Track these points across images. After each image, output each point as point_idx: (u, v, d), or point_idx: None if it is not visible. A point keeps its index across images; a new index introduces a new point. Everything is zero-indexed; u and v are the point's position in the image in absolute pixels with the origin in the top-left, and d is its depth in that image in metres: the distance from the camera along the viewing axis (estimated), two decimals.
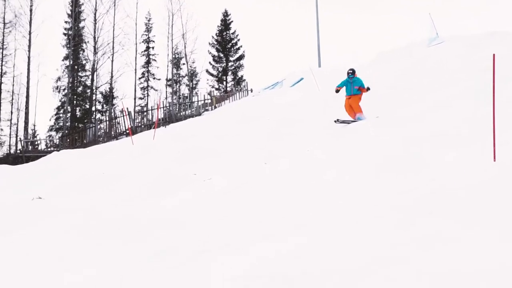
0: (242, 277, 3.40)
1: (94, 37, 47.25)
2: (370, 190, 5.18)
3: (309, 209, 4.94)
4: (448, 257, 3.21)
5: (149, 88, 55.12)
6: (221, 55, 56.38)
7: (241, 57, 56.49)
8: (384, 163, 6.24)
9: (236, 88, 41.64)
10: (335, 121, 14.18)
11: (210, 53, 56.20)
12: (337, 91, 15.24)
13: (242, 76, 55.71)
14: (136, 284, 3.51)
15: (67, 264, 4.32)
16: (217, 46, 56.43)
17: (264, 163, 9.07)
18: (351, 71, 14.98)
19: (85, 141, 34.09)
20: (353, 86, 14.65)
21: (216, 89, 54.10)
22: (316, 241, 3.92)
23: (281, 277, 3.30)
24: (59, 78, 51.21)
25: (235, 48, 56.57)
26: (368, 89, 14.64)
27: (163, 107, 34.84)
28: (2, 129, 48.51)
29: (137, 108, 49.67)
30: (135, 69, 51.32)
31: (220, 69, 56.31)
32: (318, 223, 4.42)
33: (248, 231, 4.55)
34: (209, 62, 56.18)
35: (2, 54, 46.76)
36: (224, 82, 55.56)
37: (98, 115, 51.25)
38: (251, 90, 36.06)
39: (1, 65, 47.00)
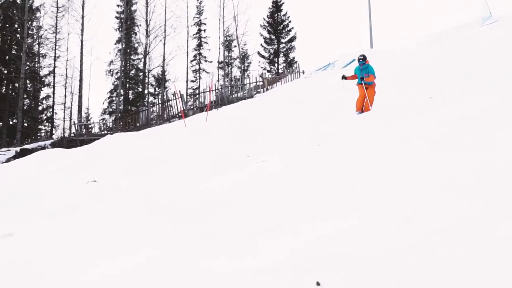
0: (295, 257, 3.40)
1: (146, 20, 47.80)
2: (420, 172, 5.09)
3: (360, 191, 4.89)
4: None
5: (201, 70, 55.68)
6: (273, 37, 56.40)
7: (292, 39, 56.43)
8: (433, 145, 6.13)
9: (288, 70, 41.49)
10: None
11: (261, 35, 56.36)
12: (344, 77, 14.58)
13: (293, 58, 55.72)
14: (196, 265, 3.54)
15: (126, 243, 4.40)
16: (268, 28, 56.47)
17: (318, 145, 9.02)
18: (362, 57, 14.13)
19: (138, 124, 34.55)
20: (363, 73, 13.95)
21: (268, 71, 54.24)
22: (367, 223, 3.88)
23: (331, 256, 3.29)
24: (111, 62, 52.16)
25: (286, 30, 56.50)
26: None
27: (215, 90, 34.99)
28: (56, 113, 49.77)
29: (189, 91, 50.32)
30: (187, 52, 51.88)
31: (272, 51, 56.38)
32: (369, 205, 4.37)
33: (300, 213, 4.54)
34: (261, 44, 56.37)
35: (56, 38, 47.89)
36: (276, 64, 55.62)
37: (151, 98, 52.06)
38: (303, 72, 35.94)
39: (55, 49, 48.14)
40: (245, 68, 54.34)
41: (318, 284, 2.89)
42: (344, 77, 14.63)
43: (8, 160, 28.42)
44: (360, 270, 3.01)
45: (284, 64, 54.44)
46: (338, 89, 18.66)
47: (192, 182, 7.34)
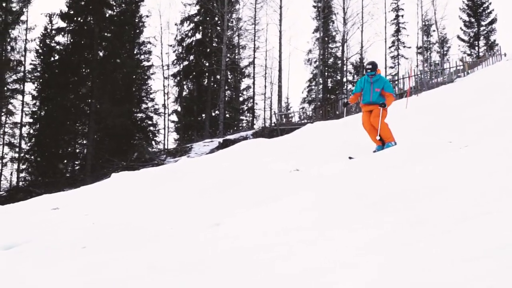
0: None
1: (343, 8, 47.60)
2: None
3: None
4: None
5: (399, 56, 54.52)
6: (472, 20, 53.65)
7: (493, 21, 53.24)
8: None
9: (489, 53, 39.02)
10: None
11: (460, 18, 53.91)
12: (346, 104, 11.96)
13: (494, 41, 52.41)
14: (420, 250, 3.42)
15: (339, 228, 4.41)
16: (468, 11, 53.84)
17: None
18: (370, 67, 10.63)
19: (337, 112, 34.48)
20: (374, 88, 10.51)
21: (468, 54, 51.57)
22: None
23: None
24: (310, 51, 52.87)
25: (486, 12, 53.42)
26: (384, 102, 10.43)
27: (414, 76, 33.94)
28: (257, 103, 51.53)
29: (388, 77, 49.35)
30: (385, 38, 51.19)
31: (472, 34, 53.58)
32: None
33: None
34: (460, 28, 54.02)
35: (255, 29, 49.48)
36: (476, 48, 52.68)
37: (349, 86, 51.93)
38: (505, 54, 33.67)
39: (254, 40, 49.75)
40: (444, 52, 52.20)
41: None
42: (346, 104, 12.10)
43: (212, 151, 29.73)
44: None
45: (485, 47, 51.36)
46: None
47: (396, 169, 7.10)
